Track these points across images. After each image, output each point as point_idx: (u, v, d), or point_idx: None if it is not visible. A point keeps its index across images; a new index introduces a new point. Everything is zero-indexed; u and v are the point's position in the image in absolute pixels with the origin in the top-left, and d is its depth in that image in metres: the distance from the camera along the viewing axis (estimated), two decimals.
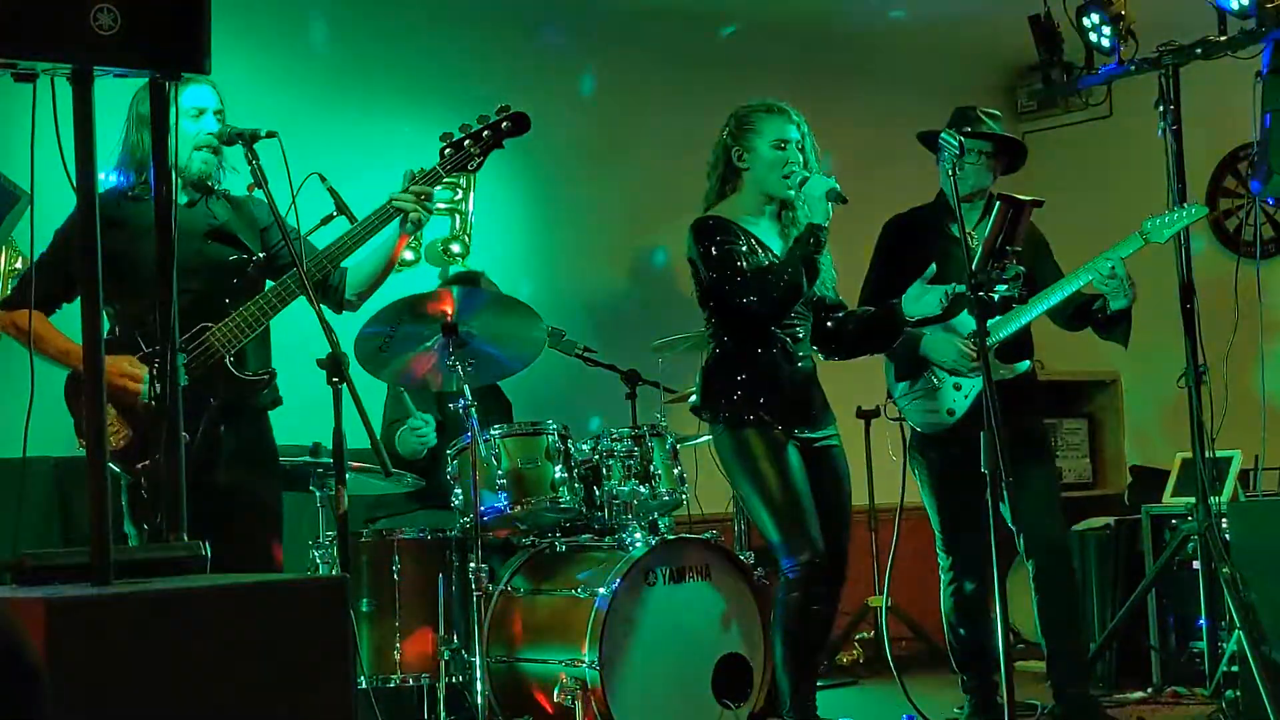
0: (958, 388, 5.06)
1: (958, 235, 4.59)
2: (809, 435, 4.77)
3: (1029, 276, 5.11)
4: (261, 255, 4.38)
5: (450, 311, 4.84)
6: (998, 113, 5.33)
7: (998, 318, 5.05)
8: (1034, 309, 5.07)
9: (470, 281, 5.86)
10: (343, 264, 4.39)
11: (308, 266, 4.16)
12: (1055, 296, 5.05)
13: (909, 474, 5.25)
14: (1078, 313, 5.17)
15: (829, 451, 4.83)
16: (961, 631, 5.18)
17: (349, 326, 4.69)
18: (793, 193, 4.70)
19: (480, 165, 4.50)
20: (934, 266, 4.75)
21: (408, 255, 6.70)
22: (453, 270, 6.72)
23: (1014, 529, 5.01)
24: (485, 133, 4.47)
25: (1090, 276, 4.99)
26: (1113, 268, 4.91)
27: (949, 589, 5.15)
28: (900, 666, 5.26)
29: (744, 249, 4.69)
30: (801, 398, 4.78)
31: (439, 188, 4.55)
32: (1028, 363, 5.17)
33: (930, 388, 5.11)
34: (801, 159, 4.74)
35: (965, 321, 4.92)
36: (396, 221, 4.36)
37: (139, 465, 4.09)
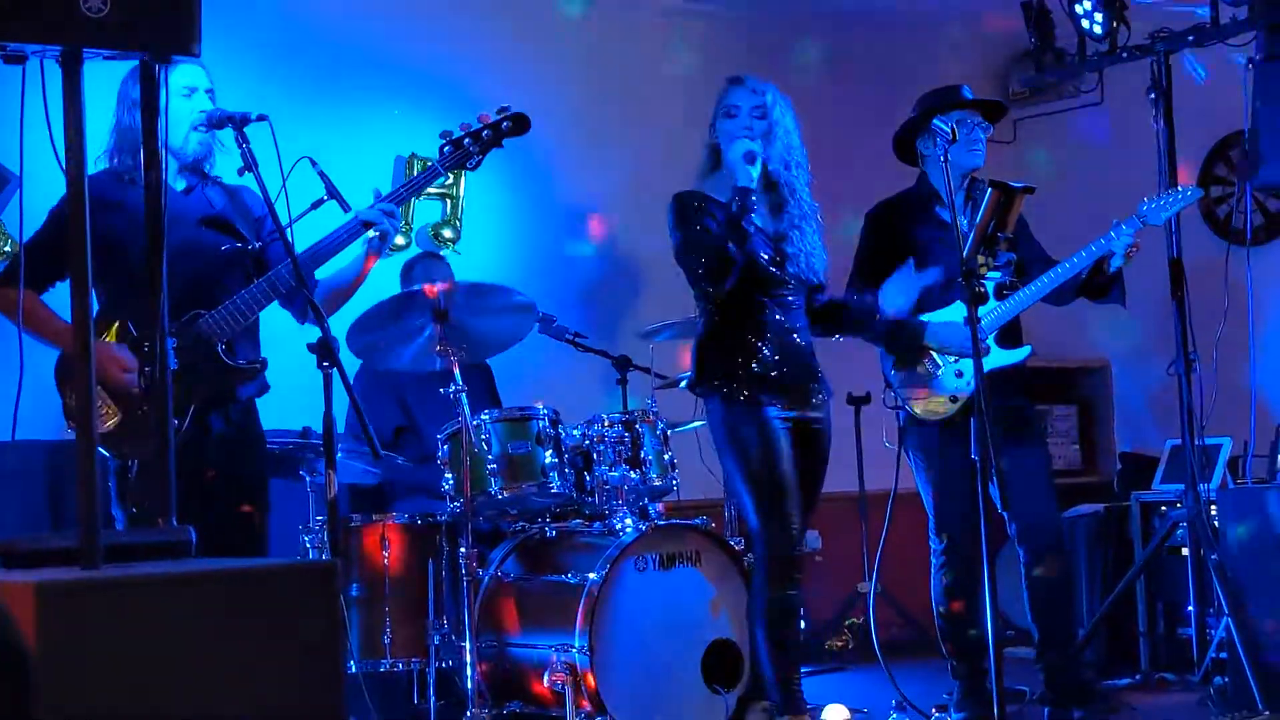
0: (959, 375, 5.05)
1: (947, 221, 4.60)
2: (800, 415, 4.73)
3: (1018, 257, 5.12)
4: (255, 245, 4.37)
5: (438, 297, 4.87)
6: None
7: (998, 304, 5.04)
8: (1034, 294, 5.05)
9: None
10: (316, 275, 4.38)
11: (279, 279, 4.17)
12: (1059, 277, 5.02)
13: (902, 459, 5.24)
14: (1075, 289, 5.15)
15: (818, 432, 4.80)
16: (951, 617, 5.17)
17: (345, 318, 4.69)
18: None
19: (479, 164, 4.52)
20: (912, 261, 4.77)
21: (399, 240, 6.70)
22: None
23: (1005, 514, 5.02)
24: (485, 132, 4.48)
25: (1088, 261, 4.98)
26: (1119, 250, 4.94)
27: (939, 574, 5.15)
28: (890, 652, 5.27)
29: (710, 222, 4.67)
30: (794, 372, 4.73)
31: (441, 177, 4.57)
32: (1029, 348, 5.15)
33: (929, 374, 5.10)
34: (761, 126, 4.68)
35: (962, 312, 4.94)
36: (364, 239, 4.35)
37: (127, 449, 4.09)
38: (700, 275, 4.65)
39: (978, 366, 4.20)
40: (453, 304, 4.87)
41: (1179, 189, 5.16)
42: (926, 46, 7.87)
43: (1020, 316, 5.21)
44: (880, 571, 7.23)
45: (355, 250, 4.39)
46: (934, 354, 5.09)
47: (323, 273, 4.39)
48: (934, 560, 5.15)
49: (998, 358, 5.03)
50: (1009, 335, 5.13)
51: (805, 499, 4.70)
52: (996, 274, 4.93)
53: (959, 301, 4.94)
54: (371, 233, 4.35)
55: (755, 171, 4.59)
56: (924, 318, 5.06)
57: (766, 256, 4.69)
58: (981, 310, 4.99)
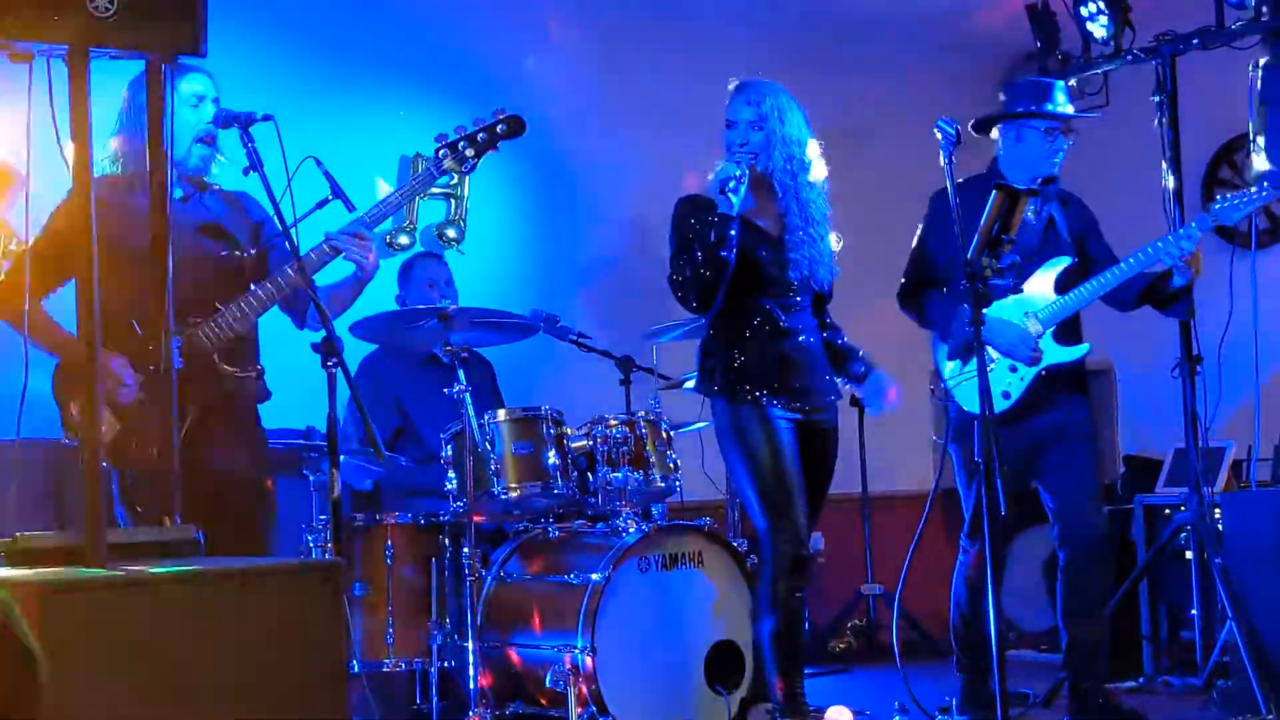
0: (1013, 370, 4.98)
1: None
2: (805, 416, 4.72)
3: (1083, 256, 5.06)
4: (253, 252, 4.36)
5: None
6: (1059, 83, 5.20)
7: (1057, 298, 4.99)
8: (1095, 290, 4.99)
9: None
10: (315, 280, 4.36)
11: (277, 285, 4.17)
12: (1121, 274, 4.97)
13: (932, 456, 5.19)
14: (1138, 292, 5.09)
15: (824, 434, 4.79)
16: (970, 618, 5.12)
17: (347, 317, 4.69)
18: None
19: (474, 168, 4.51)
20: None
21: (403, 240, 6.71)
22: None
23: (1050, 513, 5.00)
24: (480, 135, 4.48)
25: (1157, 259, 4.93)
26: (1188, 248, 4.88)
27: (966, 571, 5.08)
28: (889, 653, 5.25)
29: (703, 235, 4.63)
30: (798, 373, 4.70)
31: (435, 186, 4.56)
32: (1087, 346, 5.08)
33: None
34: (759, 138, 4.63)
35: (1021, 304, 4.95)
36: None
37: (126, 459, 4.07)
38: (673, 290, 4.64)
39: (981, 365, 4.18)
40: (458, 318, 4.93)
41: (1252, 189, 5.05)
42: (931, 48, 7.87)
43: (1081, 315, 5.13)
44: (882, 574, 7.25)
45: (350, 268, 4.37)
46: (988, 348, 5.03)
47: (322, 279, 4.38)
48: (962, 557, 5.08)
49: (1055, 354, 4.98)
50: (1069, 332, 5.06)
51: (811, 501, 4.70)
52: (1003, 280, 4.91)
53: (1014, 296, 4.94)
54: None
55: (737, 199, 4.54)
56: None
57: (767, 260, 4.66)
58: (1040, 304, 4.98)
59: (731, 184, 4.52)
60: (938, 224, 5.09)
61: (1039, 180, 5.04)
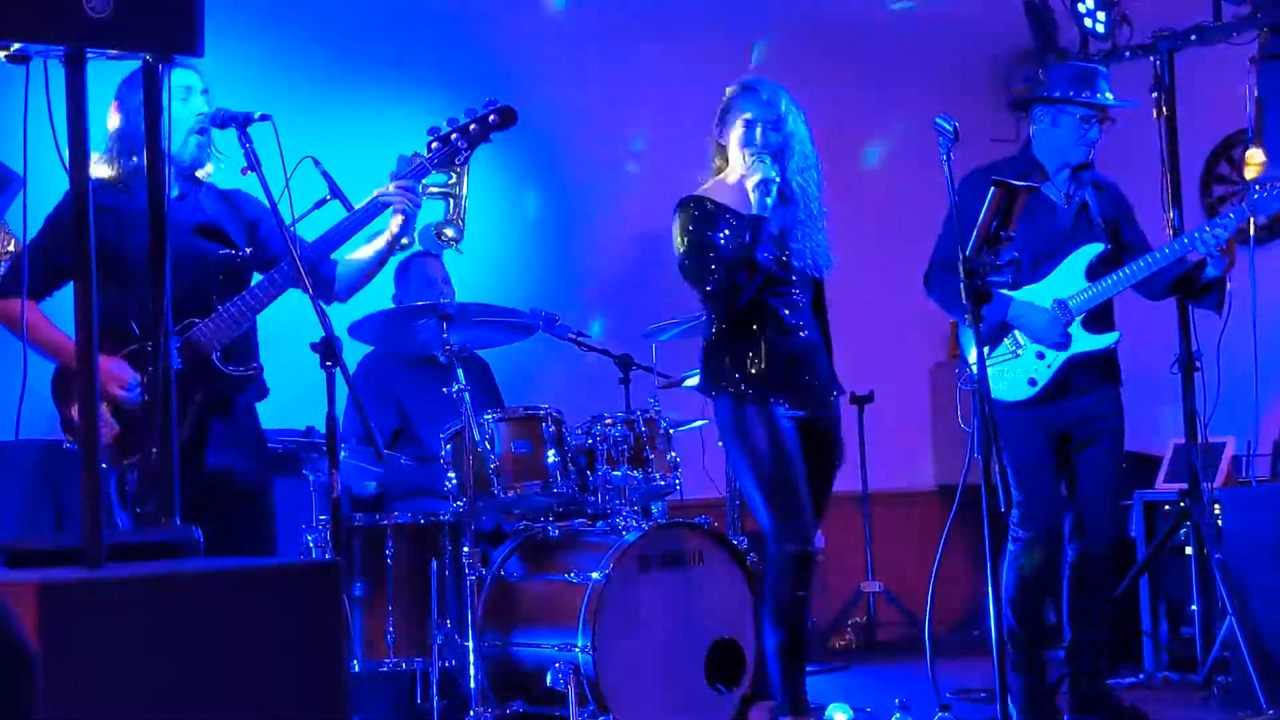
0: (1040, 356, 4.95)
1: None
2: (809, 414, 4.72)
3: (1117, 243, 5.04)
4: (249, 250, 4.37)
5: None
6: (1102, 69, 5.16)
7: (1088, 285, 4.97)
8: (1128, 277, 4.96)
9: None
10: (333, 256, 4.39)
11: (279, 277, 4.17)
12: (1154, 264, 4.94)
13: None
14: (1169, 282, 5.08)
15: (827, 432, 4.79)
16: (1023, 607, 5.06)
17: (345, 319, 4.70)
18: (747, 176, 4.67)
19: (467, 160, 4.52)
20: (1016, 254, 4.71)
21: (402, 240, 6.69)
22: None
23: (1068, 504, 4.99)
24: (472, 127, 4.49)
25: (1192, 247, 4.91)
26: (1225, 238, 4.87)
27: (1016, 562, 4.97)
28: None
29: (719, 229, 4.65)
30: (801, 371, 4.71)
31: (433, 173, 4.56)
32: (1117, 334, 5.05)
33: (1011, 355, 5.00)
34: (776, 139, 4.67)
35: (1052, 291, 4.94)
36: (388, 218, 4.36)
37: (126, 460, 4.08)
38: (709, 294, 4.64)
39: (981, 360, 4.18)
40: (458, 315, 4.94)
41: None
42: (930, 46, 7.87)
43: (1113, 303, 5.11)
44: (883, 572, 7.25)
45: (379, 229, 4.39)
46: (1016, 333, 5.01)
47: (344, 251, 4.39)
48: (1012, 547, 5.01)
49: (1084, 342, 4.97)
50: (1099, 319, 5.03)
51: (816, 498, 4.70)
52: (1001, 276, 4.90)
53: (1044, 281, 4.93)
54: (391, 214, 4.36)
55: (770, 200, 4.57)
56: (1009, 294, 4.95)
57: (772, 255, 4.67)
58: (1071, 291, 4.96)
59: (770, 186, 4.55)
60: (969, 206, 5.07)
61: (1071, 166, 5.04)
